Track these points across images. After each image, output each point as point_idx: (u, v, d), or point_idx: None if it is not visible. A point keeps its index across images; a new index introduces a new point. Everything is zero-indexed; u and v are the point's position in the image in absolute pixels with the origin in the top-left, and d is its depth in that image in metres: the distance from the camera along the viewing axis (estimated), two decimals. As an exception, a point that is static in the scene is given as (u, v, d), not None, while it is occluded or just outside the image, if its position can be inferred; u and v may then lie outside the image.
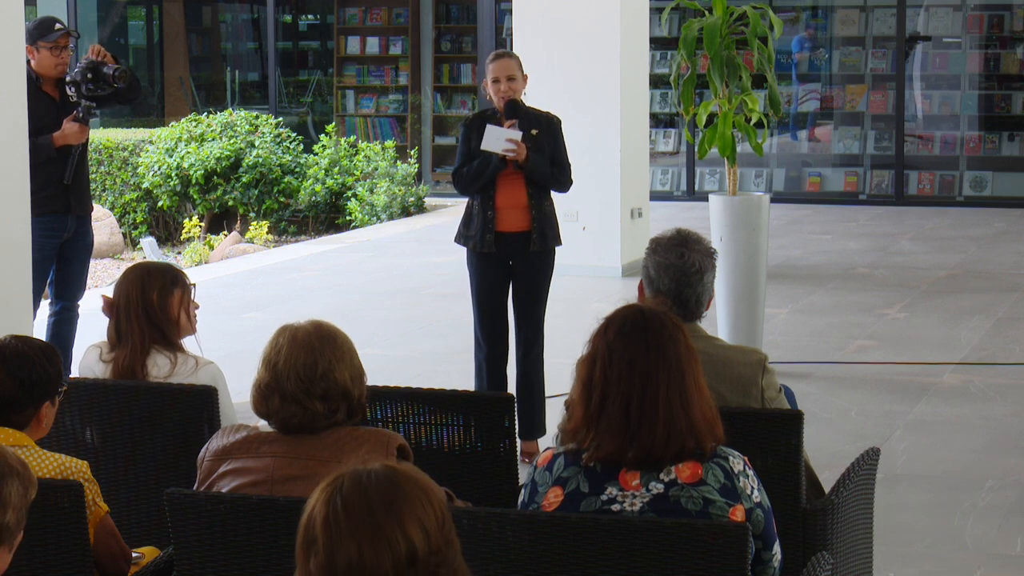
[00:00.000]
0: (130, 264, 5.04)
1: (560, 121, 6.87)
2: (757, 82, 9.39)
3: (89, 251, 7.47)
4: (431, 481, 3.49)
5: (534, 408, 6.82)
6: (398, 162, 15.62)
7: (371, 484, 2.46)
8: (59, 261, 7.24)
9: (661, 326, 3.42)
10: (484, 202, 6.73)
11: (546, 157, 6.73)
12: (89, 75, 7.21)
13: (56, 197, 7.11)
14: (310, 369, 3.62)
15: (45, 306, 7.49)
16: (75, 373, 4.93)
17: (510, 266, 6.78)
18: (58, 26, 7.17)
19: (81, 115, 7.18)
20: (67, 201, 7.17)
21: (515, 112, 6.68)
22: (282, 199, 15.29)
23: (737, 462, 3.40)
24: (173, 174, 14.99)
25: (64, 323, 7.26)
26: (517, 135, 6.59)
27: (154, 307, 4.74)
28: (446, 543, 2.48)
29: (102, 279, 12.89)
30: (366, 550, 2.41)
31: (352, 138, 16.39)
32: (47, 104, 7.15)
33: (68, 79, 7.20)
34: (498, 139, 6.57)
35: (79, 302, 7.41)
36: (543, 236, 6.74)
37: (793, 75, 16.79)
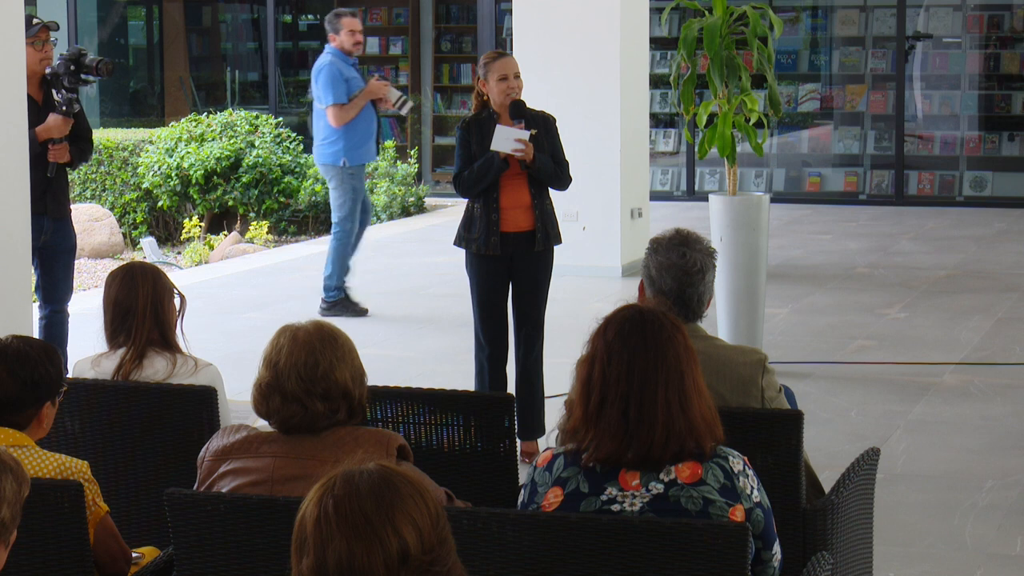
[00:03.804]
0: (123, 263, 5.01)
1: (555, 119, 6.89)
2: (757, 82, 9.39)
3: (71, 253, 7.37)
4: (427, 479, 3.51)
5: (534, 408, 6.83)
6: (398, 162, 15.62)
7: (363, 483, 2.46)
8: (42, 265, 7.12)
9: (660, 326, 3.42)
10: (487, 204, 6.72)
11: (549, 156, 6.75)
12: (72, 67, 7.14)
13: (33, 200, 7.02)
14: (311, 369, 3.62)
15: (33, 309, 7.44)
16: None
17: (511, 266, 6.78)
18: (35, 21, 7.07)
19: (64, 108, 7.11)
20: (43, 203, 7.02)
21: (520, 112, 6.69)
22: (282, 199, 15.28)
23: (737, 462, 3.40)
24: (173, 174, 14.99)
25: (55, 326, 7.18)
26: (525, 135, 6.60)
27: (163, 307, 4.74)
28: (439, 541, 2.47)
29: (102, 279, 12.89)
30: (356, 548, 2.41)
31: (352, 138, 16.36)
32: (29, 106, 7.09)
33: (49, 71, 7.13)
34: (508, 139, 6.58)
35: (68, 305, 7.34)
36: (546, 235, 6.76)
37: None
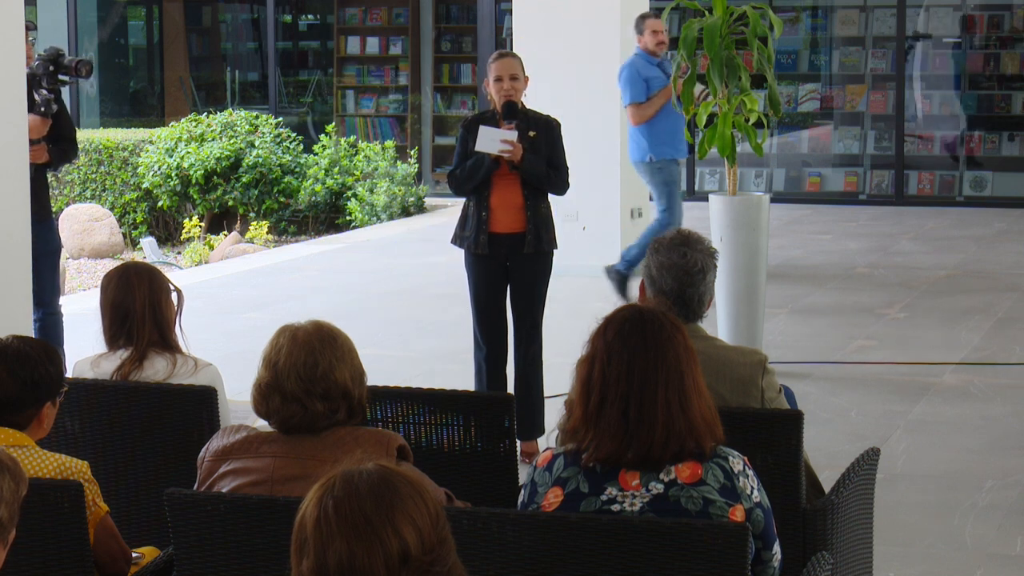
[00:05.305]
0: (121, 263, 4.99)
1: (560, 124, 6.86)
2: (757, 82, 9.39)
3: (56, 255, 7.28)
4: (426, 479, 3.51)
5: (533, 408, 6.82)
6: (398, 162, 15.62)
7: (362, 483, 2.46)
8: None
9: (660, 327, 3.42)
10: (479, 203, 6.73)
11: (543, 159, 6.72)
12: (50, 67, 7.09)
13: None
14: (310, 369, 3.62)
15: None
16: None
17: (507, 267, 6.78)
18: None
19: (42, 108, 7.06)
20: None
21: (512, 113, 6.68)
22: (282, 199, 15.29)
23: (737, 462, 3.40)
24: (173, 174, 14.99)
25: (50, 328, 7.12)
26: (512, 135, 6.59)
27: (161, 307, 4.73)
28: (440, 541, 2.47)
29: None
30: (357, 549, 2.41)
31: (352, 138, 16.39)
32: None
33: (27, 72, 7.07)
34: (492, 140, 6.57)
35: (59, 306, 7.30)
36: (538, 238, 6.73)
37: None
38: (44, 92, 7.05)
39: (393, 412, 4.51)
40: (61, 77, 7.15)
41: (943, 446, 7.02)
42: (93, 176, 15.25)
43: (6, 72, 6.43)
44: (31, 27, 7.11)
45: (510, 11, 13.48)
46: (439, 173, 17.85)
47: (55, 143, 7.18)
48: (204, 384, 4.61)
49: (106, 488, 4.14)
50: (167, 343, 4.74)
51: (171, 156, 15.09)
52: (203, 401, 4.54)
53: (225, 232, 14.95)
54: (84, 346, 5.36)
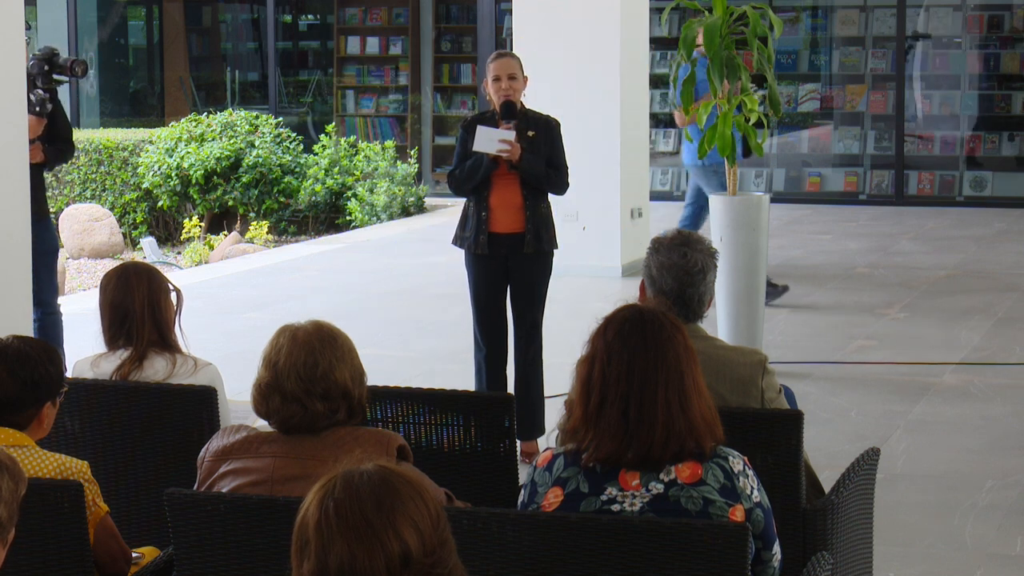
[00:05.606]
0: (120, 263, 4.98)
1: (559, 124, 6.86)
2: (757, 82, 9.39)
3: (54, 254, 7.27)
4: (427, 480, 3.51)
5: (533, 408, 6.82)
6: (398, 162, 15.62)
7: (363, 485, 2.45)
8: None
9: (660, 327, 3.42)
10: (478, 203, 6.73)
11: (542, 159, 6.72)
12: (45, 66, 7.09)
13: None
14: (310, 369, 3.62)
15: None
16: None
17: (507, 267, 6.78)
18: None
19: (37, 108, 7.04)
20: None
21: (511, 113, 6.68)
22: (282, 199, 15.29)
23: (737, 462, 3.40)
24: (173, 174, 14.99)
25: (49, 327, 7.12)
26: (510, 135, 6.59)
27: (160, 307, 4.73)
28: (440, 543, 2.47)
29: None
30: (358, 551, 2.40)
31: (352, 138, 16.39)
32: None
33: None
34: (490, 140, 6.58)
35: (58, 306, 7.30)
36: (537, 238, 6.73)
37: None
38: (39, 92, 7.05)
39: (393, 412, 4.51)
40: (56, 77, 7.15)
41: (943, 446, 7.02)
42: (93, 176, 15.25)
43: (6, 72, 6.43)
44: (26, 26, 7.10)
45: (510, 11, 13.48)
46: (439, 173, 17.85)
47: (51, 143, 7.18)
48: (204, 384, 4.61)
49: (106, 488, 4.14)
50: (167, 343, 4.74)
51: (171, 156, 15.08)
52: (203, 401, 4.54)
53: (225, 232, 14.95)
54: (84, 346, 5.36)
